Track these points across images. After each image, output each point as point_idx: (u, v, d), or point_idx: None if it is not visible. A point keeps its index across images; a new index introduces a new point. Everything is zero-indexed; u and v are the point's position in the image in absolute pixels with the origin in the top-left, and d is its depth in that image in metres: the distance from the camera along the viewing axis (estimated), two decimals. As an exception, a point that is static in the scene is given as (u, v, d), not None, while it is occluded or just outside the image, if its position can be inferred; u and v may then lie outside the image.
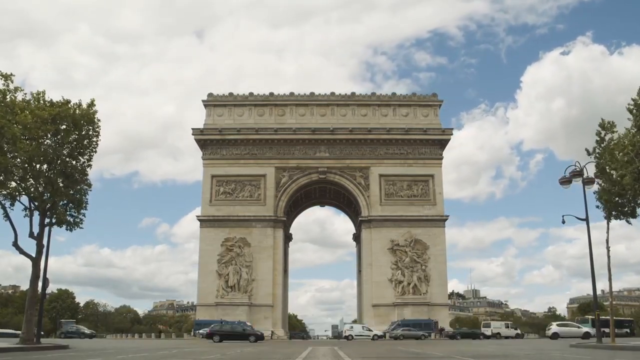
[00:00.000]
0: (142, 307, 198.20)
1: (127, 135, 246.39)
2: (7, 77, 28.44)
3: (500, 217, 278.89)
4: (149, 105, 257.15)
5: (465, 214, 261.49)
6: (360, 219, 70.58)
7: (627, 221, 31.12)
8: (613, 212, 30.73)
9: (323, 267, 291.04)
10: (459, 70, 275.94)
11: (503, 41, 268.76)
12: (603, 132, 30.92)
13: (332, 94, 72.73)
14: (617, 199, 30.22)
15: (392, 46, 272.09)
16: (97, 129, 33.51)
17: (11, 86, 28.95)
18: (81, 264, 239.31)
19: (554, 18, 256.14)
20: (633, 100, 28.55)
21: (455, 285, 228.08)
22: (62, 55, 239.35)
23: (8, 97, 28.67)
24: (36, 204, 31.82)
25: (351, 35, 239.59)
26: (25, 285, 71.52)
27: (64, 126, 31.70)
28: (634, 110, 28.27)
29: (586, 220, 32.67)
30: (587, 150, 32.16)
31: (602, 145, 30.91)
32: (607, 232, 31.25)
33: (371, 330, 56.42)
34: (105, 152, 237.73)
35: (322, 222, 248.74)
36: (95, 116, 33.23)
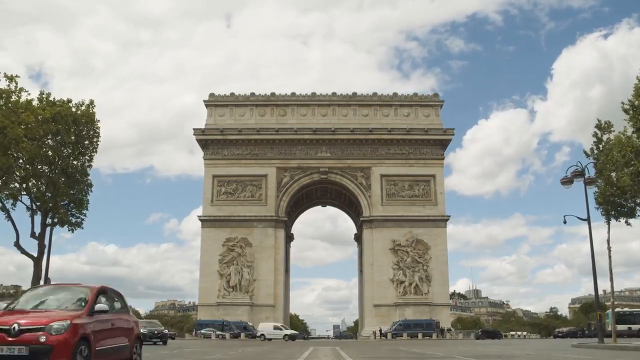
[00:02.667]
0: (147, 307, 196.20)
1: (143, 127, 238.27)
2: (11, 79, 28.59)
3: (516, 214, 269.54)
4: (166, 94, 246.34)
5: (482, 210, 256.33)
6: (361, 219, 70.58)
7: (627, 222, 31.08)
8: (612, 213, 30.67)
9: (333, 265, 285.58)
10: (493, 57, 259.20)
11: (544, 26, 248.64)
12: (600, 133, 30.86)
13: (334, 94, 72.78)
14: (615, 199, 30.17)
15: (425, 32, 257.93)
16: (97, 130, 33.69)
17: (14, 87, 29.06)
18: (87, 262, 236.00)
19: (601, 0, 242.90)
20: (629, 101, 28.43)
21: (466, 284, 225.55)
22: (79, 41, 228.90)
23: (13, 97, 28.80)
24: (38, 204, 31.93)
25: (383, 20, 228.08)
26: (27, 285, 71.59)
27: (64, 126, 31.79)
28: (631, 111, 28.17)
29: (588, 220, 32.62)
30: (585, 152, 32.17)
31: (600, 146, 30.88)
32: (608, 233, 31.23)
33: (281, 330, 54.89)
34: (119, 144, 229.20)
35: (335, 218, 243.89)
36: (95, 116, 33.41)
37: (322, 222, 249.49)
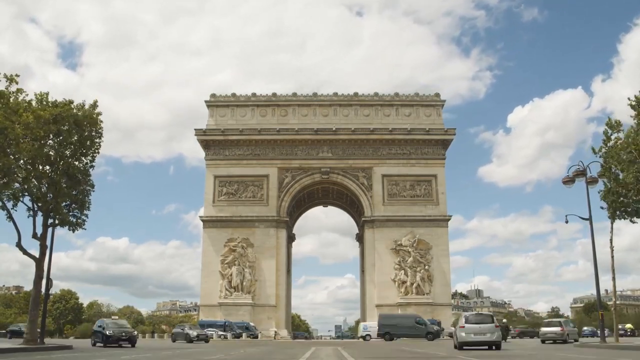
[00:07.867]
0: (153, 307, 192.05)
1: (174, 107, 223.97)
2: (11, 79, 28.54)
3: (546, 207, 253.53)
4: (201, 70, 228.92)
5: (516, 201, 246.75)
6: (363, 219, 70.55)
7: (632, 220, 31.01)
8: (617, 212, 30.62)
9: (354, 261, 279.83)
10: (566, 27, 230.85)
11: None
12: (610, 131, 30.75)
13: (335, 94, 72.79)
14: (621, 198, 30.12)
15: None
16: (99, 130, 33.66)
17: (14, 87, 29.01)
18: (93, 259, 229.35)
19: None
20: (635, 97, 28.39)
21: (485, 281, 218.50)
22: (117, 10, 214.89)
23: (12, 98, 28.75)
24: (39, 204, 31.90)
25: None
26: (29, 286, 71.63)
27: (65, 127, 31.74)
28: (637, 107, 28.13)
29: (589, 219, 32.56)
30: (593, 149, 32.11)
31: (609, 144, 30.78)
32: (611, 232, 31.20)
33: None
34: (148, 126, 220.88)
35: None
36: (99, 117, 33.39)
37: (341, 215, 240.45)
